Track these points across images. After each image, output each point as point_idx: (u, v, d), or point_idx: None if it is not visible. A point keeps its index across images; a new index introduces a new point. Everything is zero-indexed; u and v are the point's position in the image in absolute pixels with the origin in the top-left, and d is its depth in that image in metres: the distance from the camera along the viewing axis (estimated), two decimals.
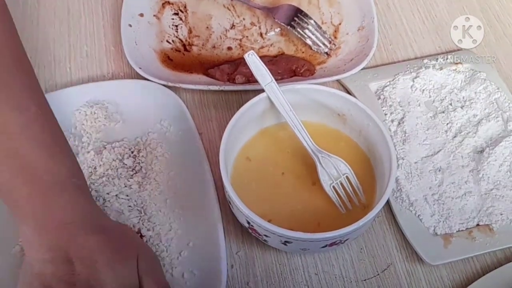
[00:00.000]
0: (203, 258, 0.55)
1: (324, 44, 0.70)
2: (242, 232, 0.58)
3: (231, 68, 0.67)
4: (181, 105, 0.64)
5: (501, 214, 0.58)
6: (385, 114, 0.65)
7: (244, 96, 0.67)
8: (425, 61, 0.69)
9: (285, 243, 0.51)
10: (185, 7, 0.74)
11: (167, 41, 0.71)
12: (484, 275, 0.55)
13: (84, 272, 0.46)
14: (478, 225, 0.58)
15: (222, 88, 0.65)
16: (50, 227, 0.47)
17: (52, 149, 0.50)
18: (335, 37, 0.72)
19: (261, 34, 0.73)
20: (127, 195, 0.58)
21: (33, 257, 0.47)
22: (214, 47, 0.71)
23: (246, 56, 0.57)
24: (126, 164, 0.60)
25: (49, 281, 0.45)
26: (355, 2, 0.73)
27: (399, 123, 0.64)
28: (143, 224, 0.56)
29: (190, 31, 0.73)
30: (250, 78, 0.66)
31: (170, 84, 0.65)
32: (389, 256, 0.57)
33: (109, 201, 0.57)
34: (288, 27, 0.71)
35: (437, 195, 0.59)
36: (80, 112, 0.63)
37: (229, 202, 0.55)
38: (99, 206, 0.52)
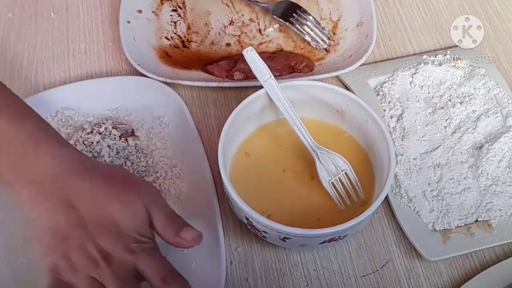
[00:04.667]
0: (202, 254, 0.55)
1: (323, 40, 0.70)
2: (241, 228, 0.58)
3: (230, 65, 0.67)
4: (180, 102, 0.64)
5: (500, 210, 0.58)
6: (384, 110, 0.65)
7: (242, 93, 0.67)
8: (424, 57, 0.69)
9: (284, 239, 0.52)
10: (183, 3, 0.74)
11: (166, 37, 0.71)
12: (482, 271, 0.55)
13: (90, 212, 0.46)
14: (477, 221, 0.58)
15: (220, 84, 0.65)
16: (37, 182, 0.47)
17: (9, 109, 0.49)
18: (334, 33, 0.72)
19: (259, 31, 0.73)
20: None
21: (36, 215, 0.47)
22: (212, 43, 0.71)
23: (244, 52, 0.57)
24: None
25: (60, 230, 0.46)
26: None
27: (398, 119, 0.64)
28: None
29: (188, 28, 0.73)
30: (249, 75, 0.66)
31: (168, 80, 0.65)
32: (388, 252, 0.58)
33: None
34: (287, 23, 0.71)
35: (436, 191, 0.59)
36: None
37: (228, 199, 0.55)
38: (83, 152, 0.52)
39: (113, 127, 0.60)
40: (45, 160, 0.48)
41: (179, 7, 0.74)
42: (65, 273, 0.46)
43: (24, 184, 0.47)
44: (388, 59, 0.71)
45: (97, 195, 0.47)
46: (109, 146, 0.59)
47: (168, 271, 0.48)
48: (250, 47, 0.58)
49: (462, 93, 0.66)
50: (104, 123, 0.61)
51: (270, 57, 0.68)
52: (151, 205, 0.49)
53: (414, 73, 0.67)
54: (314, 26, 0.71)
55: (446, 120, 0.64)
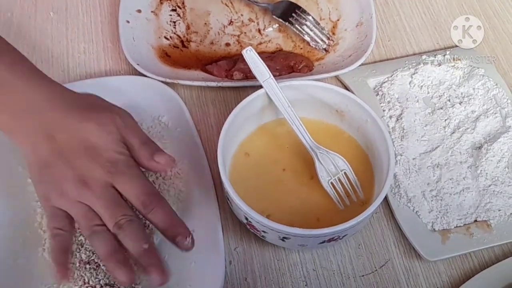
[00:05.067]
0: (201, 254, 0.54)
1: (322, 40, 0.70)
2: (240, 228, 0.58)
3: (229, 64, 0.67)
4: (179, 102, 0.64)
5: (499, 210, 0.58)
6: (384, 110, 0.65)
7: (242, 93, 0.67)
8: (424, 57, 0.69)
9: (283, 239, 0.52)
10: (183, 3, 0.74)
11: (165, 37, 0.71)
12: (481, 271, 0.55)
13: (64, 138, 0.50)
14: (476, 221, 0.58)
15: (220, 84, 0.65)
16: (19, 115, 0.51)
17: None
18: (333, 33, 0.72)
19: (259, 30, 0.73)
20: None
21: (25, 153, 0.51)
22: (212, 43, 0.71)
23: (244, 52, 0.57)
24: None
25: (43, 160, 0.50)
26: None
27: (397, 119, 0.64)
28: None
29: (188, 27, 0.72)
30: (248, 74, 0.66)
31: (168, 80, 0.65)
32: (387, 252, 0.58)
33: None
34: (286, 23, 0.71)
35: (435, 191, 0.59)
36: None
37: (227, 198, 0.55)
38: (60, 84, 0.54)
39: None
40: (26, 93, 0.51)
41: (179, 7, 0.74)
42: (55, 199, 0.49)
43: (8, 117, 0.51)
44: (387, 59, 0.71)
45: (71, 121, 0.50)
46: None
47: (146, 195, 0.49)
48: (250, 47, 0.58)
49: (461, 93, 0.66)
50: None
51: (269, 57, 0.68)
52: (125, 128, 0.51)
53: (414, 73, 0.67)
54: (314, 26, 0.71)
55: (445, 120, 0.64)
